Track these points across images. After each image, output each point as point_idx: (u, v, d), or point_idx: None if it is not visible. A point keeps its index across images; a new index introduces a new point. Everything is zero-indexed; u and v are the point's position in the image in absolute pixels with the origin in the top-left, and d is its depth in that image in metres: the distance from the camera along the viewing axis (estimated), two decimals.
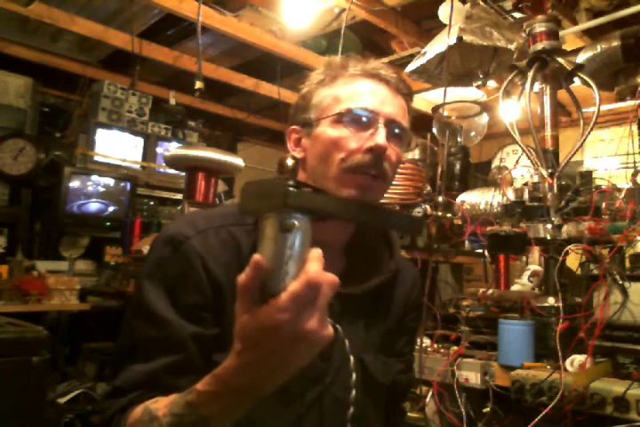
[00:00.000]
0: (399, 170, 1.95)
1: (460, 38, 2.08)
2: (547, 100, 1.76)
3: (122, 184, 3.71)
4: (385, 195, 1.95)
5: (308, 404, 0.78)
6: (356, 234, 0.90)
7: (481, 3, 2.36)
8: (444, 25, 2.22)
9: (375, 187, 0.82)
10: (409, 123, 0.87)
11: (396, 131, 0.83)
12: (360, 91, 0.83)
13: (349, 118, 0.81)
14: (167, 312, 0.75)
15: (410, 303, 0.97)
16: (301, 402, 0.77)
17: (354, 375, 0.79)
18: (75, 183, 3.52)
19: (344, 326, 0.80)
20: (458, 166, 2.23)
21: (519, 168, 2.01)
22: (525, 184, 1.73)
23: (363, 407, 0.82)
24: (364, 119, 0.81)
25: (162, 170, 4.01)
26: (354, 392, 0.78)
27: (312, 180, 0.84)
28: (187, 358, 0.74)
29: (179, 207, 3.55)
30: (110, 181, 3.67)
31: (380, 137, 0.80)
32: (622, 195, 1.59)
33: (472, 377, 1.39)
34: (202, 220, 0.81)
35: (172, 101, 4.18)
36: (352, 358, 0.80)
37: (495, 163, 4.36)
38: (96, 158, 3.72)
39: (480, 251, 1.90)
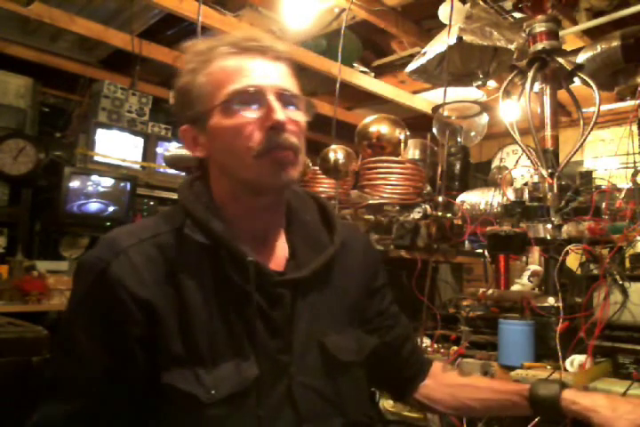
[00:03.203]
0: (399, 170, 1.97)
1: (460, 38, 2.08)
2: (547, 100, 1.76)
3: (122, 184, 3.71)
4: (385, 195, 1.96)
5: (279, 397, 0.77)
6: (290, 217, 0.88)
7: (481, 3, 2.36)
8: (444, 25, 2.22)
9: (292, 161, 0.80)
10: (299, 86, 0.84)
11: (289, 99, 0.80)
12: (236, 70, 0.78)
13: (237, 102, 0.77)
14: (91, 352, 0.74)
15: (369, 267, 0.96)
16: (272, 398, 0.77)
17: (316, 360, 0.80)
18: (75, 183, 3.52)
19: (302, 311, 0.81)
20: (458, 166, 2.23)
21: (519, 168, 2.01)
22: (525, 184, 1.72)
23: (336, 389, 0.82)
24: (251, 99, 0.77)
25: (162, 170, 4.01)
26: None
27: (228, 176, 0.82)
28: (105, 402, 0.74)
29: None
30: (110, 181, 3.67)
31: (276, 112, 0.77)
32: (622, 195, 1.59)
33: None
34: (122, 237, 0.78)
35: (172, 101, 4.18)
36: (312, 343, 0.81)
37: (495, 163, 4.36)
38: (96, 158, 3.72)
39: (480, 251, 1.90)
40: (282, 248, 0.87)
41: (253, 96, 0.78)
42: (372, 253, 1.00)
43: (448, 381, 1.00)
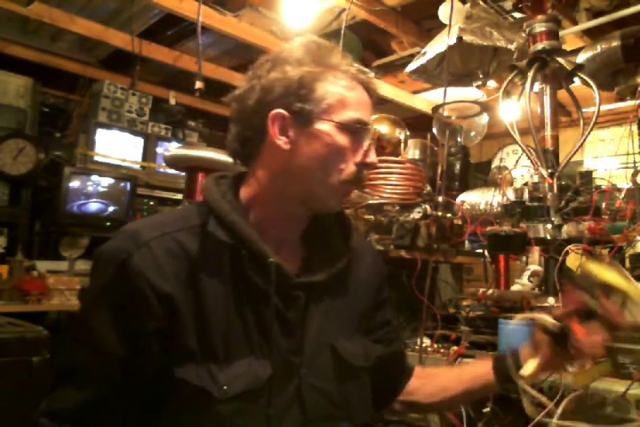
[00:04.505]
0: (399, 170, 1.96)
1: (460, 38, 2.08)
2: (547, 100, 1.76)
3: (122, 184, 3.71)
4: (385, 195, 1.96)
5: (289, 398, 0.78)
6: (309, 222, 0.90)
7: (481, 3, 2.36)
8: (444, 25, 2.22)
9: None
10: None
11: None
12: (360, 98, 0.83)
13: (355, 129, 0.81)
14: (108, 342, 0.74)
15: (377, 278, 0.99)
16: (281, 398, 0.77)
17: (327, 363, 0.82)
18: (75, 183, 3.53)
19: (314, 314, 0.82)
20: (458, 166, 2.23)
21: (519, 168, 2.01)
22: (525, 184, 1.72)
23: (344, 393, 0.84)
24: (361, 132, 0.82)
25: (162, 170, 4.01)
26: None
27: (286, 179, 0.82)
28: (118, 392, 0.75)
29: (179, 207, 3.55)
30: (110, 181, 3.68)
31: (373, 154, 0.84)
32: (622, 195, 1.59)
33: None
34: (144, 230, 0.78)
35: (172, 101, 4.18)
36: (323, 346, 0.82)
37: (495, 163, 4.35)
38: (96, 158, 3.72)
39: (480, 251, 1.90)
40: (298, 251, 0.88)
41: (364, 131, 0.83)
42: (380, 264, 1.02)
43: (425, 373, 1.04)
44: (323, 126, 0.80)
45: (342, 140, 0.80)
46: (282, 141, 0.80)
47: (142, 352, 0.74)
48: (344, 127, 0.80)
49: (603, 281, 0.83)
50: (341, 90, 0.82)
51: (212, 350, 0.75)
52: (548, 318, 0.88)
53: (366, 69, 0.89)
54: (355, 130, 0.81)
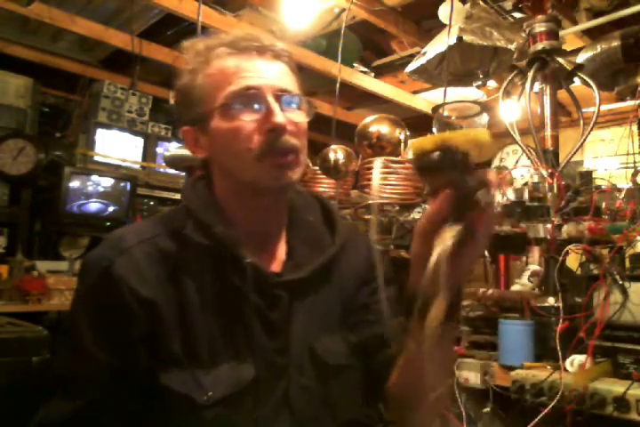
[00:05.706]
0: (399, 170, 1.96)
1: (460, 38, 2.08)
2: (547, 100, 1.76)
3: (122, 184, 3.71)
4: (384, 194, 1.96)
5: (277, 399, 0.76)
6: (293, 217, 0.88)
7: (481, 3, 2.36)
8: (444, 25, 2.22)
9: (292, 164, 0.78)
10: (299, 85, 0.83)
11: (289, 99, 0.79)
12: (234, 71, 0.77)
13: (236, 104, 0.76)
14: (94, 349, 0.73)
15: (367, 265, 0.89)
16: (270, 400, 0.76)
17: (306, 365, 0.79)
18: (75, 183, 3.52)
19: (298, 313, 0.80)
20: None
21: (519, 168, 2.01)
22: (525, 184, 1.73)
23: (327, 392, 0.80)
24: (250, 100, 0.77)
25: (162, 170, 4.01)
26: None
27: (228, 177, 0.82)
28: (108, 400, 0.74)
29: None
30: (110, 181, 3.67)
31: (275, 115, 0.76)
32: (622, 195, 1.59)
33: (472, 377, 1.39)
34: (126, 236, 0.78)
35: (172, 101, 4.18)
36: (308, 344, 0.80)
37: (495, 163, 4.35)
38: (96, 158, 3.72)
39: None
40: (283, 249, 0.86)
41: (252, 97, 0.77)
42: (373, 254, 0.95)
43: None
44: (213, 122, 0.78)
45: (230, 123, 0.77)
46: (199, 153, 0.83)
47: (129, 358, 0.73)
48: (226, 108, 0.77)
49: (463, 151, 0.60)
50: (212, 75, 0.78)
51: (196, 354, 0.74)
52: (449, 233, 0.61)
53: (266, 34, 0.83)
54: (241, 103, 0.76)
